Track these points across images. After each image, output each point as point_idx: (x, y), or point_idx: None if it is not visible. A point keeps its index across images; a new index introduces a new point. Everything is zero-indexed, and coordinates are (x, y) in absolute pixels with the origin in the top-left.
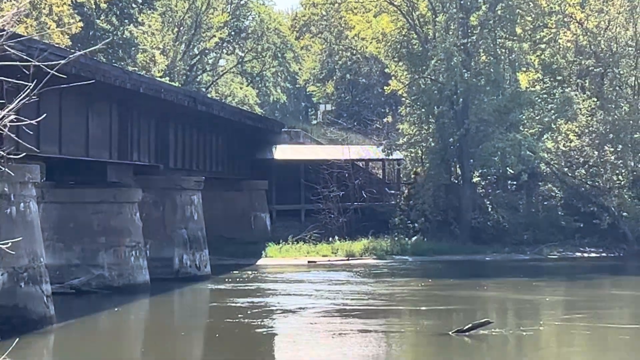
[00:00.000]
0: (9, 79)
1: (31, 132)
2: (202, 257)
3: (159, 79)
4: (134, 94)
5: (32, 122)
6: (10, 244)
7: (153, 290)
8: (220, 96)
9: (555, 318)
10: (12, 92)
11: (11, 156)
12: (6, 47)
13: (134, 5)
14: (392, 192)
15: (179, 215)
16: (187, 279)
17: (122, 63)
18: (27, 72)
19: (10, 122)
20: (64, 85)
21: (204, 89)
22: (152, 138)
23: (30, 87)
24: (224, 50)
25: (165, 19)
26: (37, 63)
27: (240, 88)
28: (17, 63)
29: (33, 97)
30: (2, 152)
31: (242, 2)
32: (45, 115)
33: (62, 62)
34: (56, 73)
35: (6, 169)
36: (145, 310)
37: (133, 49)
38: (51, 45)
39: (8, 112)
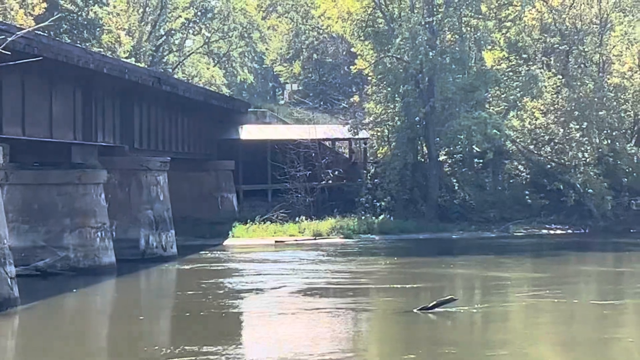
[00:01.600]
0: None
1: None
2: (168, 237)
3: (124, 59)
4: (97, 74)
5: None
6: None
7: (119, 271)
8: (187, 77)
9: (522, 294)
10: None
11: None
12: None
13: None
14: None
15: (145, 196)
16: (153, 260)
17: (87, 44)
18: None
19: None
20: (10, 63)
21: (170, 70)
22: (116, 119)
23: None
24: (190, 31)
25: (131, 0)
26: None
27: (207, 68)
28: None
29: None
30: None
31: None
32: None
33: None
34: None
35: None
36: (112, 292)
37: (98, 29)
38: None
39: None
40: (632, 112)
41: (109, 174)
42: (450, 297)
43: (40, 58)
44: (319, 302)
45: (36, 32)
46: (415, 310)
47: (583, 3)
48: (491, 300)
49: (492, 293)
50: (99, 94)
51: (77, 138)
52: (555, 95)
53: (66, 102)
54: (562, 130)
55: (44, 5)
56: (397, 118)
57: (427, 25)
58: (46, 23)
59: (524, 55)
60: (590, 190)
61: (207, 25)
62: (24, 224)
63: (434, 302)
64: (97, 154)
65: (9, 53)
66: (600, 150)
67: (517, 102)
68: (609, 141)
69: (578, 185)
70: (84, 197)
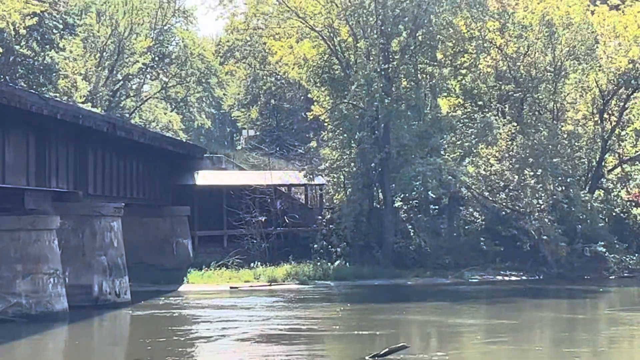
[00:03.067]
0: None
1: None
2: (122, 284)
3: (80, 104)
4: (51, 120)
5: None
6: None
7: (72, 318)
8: (144, 122)
9: (477, 341)
10: None
11: None
12: None
13: (55, 31)
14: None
15: (99, 242)
16: (106, 307)
17: (43, 89)
18: None
19: None
20: None
21: (127, 115)
22: (70, 164)
23: None
24: (148, 76)
25: (88, 45)
26: None
27: (165, 114)
28: None
29: None
30: None
31: (165, 28)
32: None
33: None
34: None
35: None
36: (64, 339)
37: (54, 74)
38: None
39: None
40: (585, 159)
41: (63, 220)
42: (402, 344)
43: None
44: (274, 349)
45: None
46: (367, 358)
47: (537, 51)
48: (446, 347)
49: (447, 340)
50: (53, 139)
51: (30, 184)
52: (510, 142)
53: (19, 148)
54: (516, 177)
55: None
56: (352, 164)
57: (382, 72)
58: None
59: (479, 102)
60: (544, 237)
61: (165, 70)
62: None
63: (386, 350)
64: (51, 200)
65: None
66: (554, 197)
67: (472, 148)
68: (563, 188)
69: (532, 232)
70: (36, 243)
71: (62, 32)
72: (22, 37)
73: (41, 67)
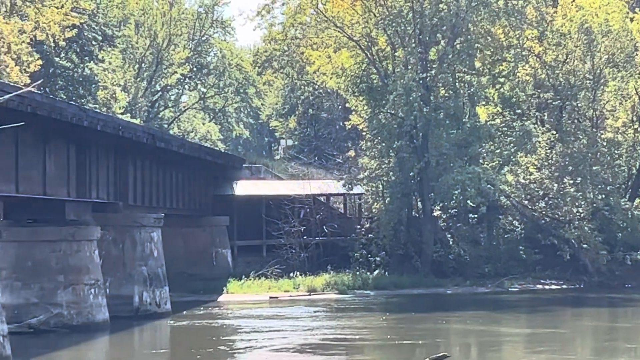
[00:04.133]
0: None
1: None
2: (162, 294)
3: (119, 115)
4: (91, 131)
5: None
6: None
7: (112, 328)
8: (182, 132)
9: (518, 351)
10: None
11: None
12: None
13: (94, 43)
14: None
15: (139, 253)
16: (147, 317)
17: (83, 100)
18: None
19: None
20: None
21: (166, 125)
22: (110, 175)
23: None
24: (186, 86)
25: (126, 56)
26: None
27: (203, 124)
28: None
29: None
30: None
31: (203, 39)
32: None
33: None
34: None
35: None
36: (105, 349)
37: (93, 86)
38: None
39: None
40: (625, 167)
41: (103, 231)
42: (443, 353)
43: (22, 123)
44: (318, 359)
45: (30, 89)
46: None
47: (576, 59)
48: (487, 356)
49: (488, 349)
50: (93, 150)
51: (70, 195)
52: (549, 151)
53: (60, 159)
54: (556, 185)
55: (39, 62)
56: (391, 173)
57: (421, 81)
58: (38, 83)
59: (518, 111)
60: (584, 245)
61: (203, 80)
62: (17, 281)
63: (427, 359)
64: (91, 211)
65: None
66: (594, 205)
67: (511, 157)
68: (603, 196)
69: (572, 240)
70: (77, 254)
71: (101, 43)
72: (62, 49)
73: (81, 79)
